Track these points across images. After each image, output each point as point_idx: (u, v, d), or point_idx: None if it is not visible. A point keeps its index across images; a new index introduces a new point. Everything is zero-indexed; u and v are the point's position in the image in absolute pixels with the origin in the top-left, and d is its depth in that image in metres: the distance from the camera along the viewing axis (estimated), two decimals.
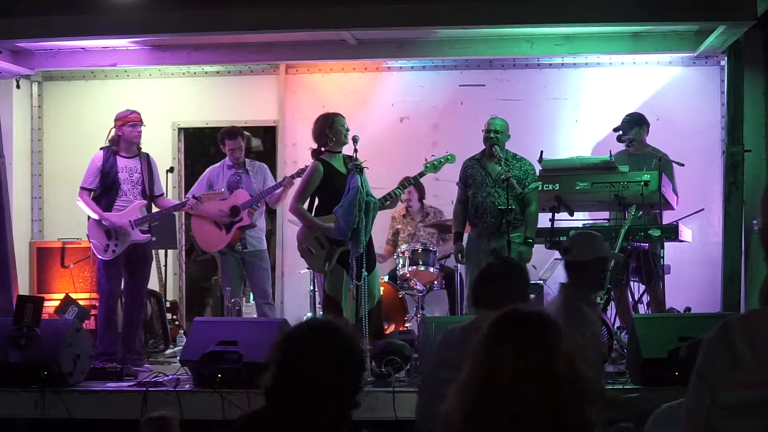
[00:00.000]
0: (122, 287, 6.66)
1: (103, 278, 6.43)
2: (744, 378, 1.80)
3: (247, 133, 7.71)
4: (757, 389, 1.79)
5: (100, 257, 6.41)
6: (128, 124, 6.45)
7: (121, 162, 6.47)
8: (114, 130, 6.50)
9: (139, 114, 6.54)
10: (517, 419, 1.85)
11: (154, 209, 6.68)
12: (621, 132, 7.04)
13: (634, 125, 7.09)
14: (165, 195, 6.89)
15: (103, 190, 6.43)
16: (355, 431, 2.44)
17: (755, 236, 7.24)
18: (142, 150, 6.61)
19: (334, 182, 5.96)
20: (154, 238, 6.86)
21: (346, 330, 2.44)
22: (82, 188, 6.47)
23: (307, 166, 6.32)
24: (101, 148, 6.56)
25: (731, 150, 7.17)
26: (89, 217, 6.45)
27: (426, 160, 6.31)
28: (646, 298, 6.84)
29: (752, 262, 7.33)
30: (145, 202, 6.53)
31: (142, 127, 6.54)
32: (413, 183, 6.58)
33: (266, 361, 2.41)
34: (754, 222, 6.99)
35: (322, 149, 6.11)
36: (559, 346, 1.91)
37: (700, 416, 1.85)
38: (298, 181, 6.54)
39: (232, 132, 7.14)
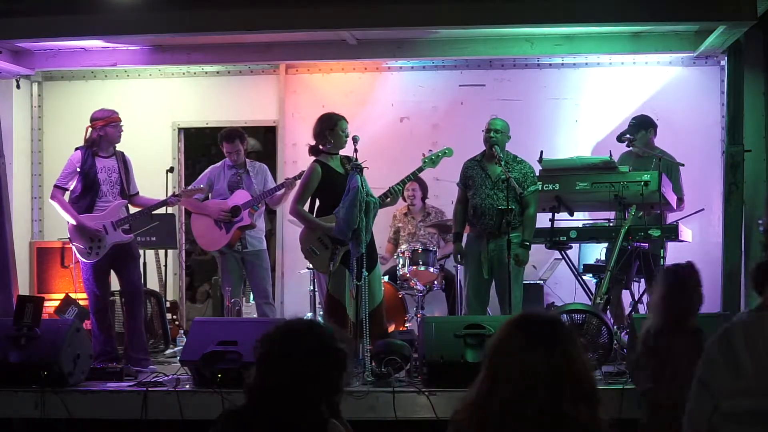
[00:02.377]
0: (119, 288, 6.65)
1: (90, 280, 6.36)
2: (745, 385, 1.79)
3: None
4: (758, 397, 1.78)
5: (84, 260, 6.36)
6: (111, 124, 6.36)
7: (100, 162, 6.38)
8: (92, 130, 6.38)
9: (118, 113, 6.44)
10: (543, 420, 1.89)
11: (132, 208, 6.59)
12: (628, 135, 7.02)
13: (640, 128, 7.09)
14: (139, 194, 6.70)
15: (84, 191, 6.33)
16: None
17: (756, 236, 7.25)
18: (117, 149, 6.51)
19: (333, 183, 5.95)
20: (151, 237, 6.83)
21: (326, 331, 2.49)
22: (56, 186, 6.35)
23: None
24: (78, 148, 6.43)
25: (731, 150, 7.17)
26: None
27: (424, 155, 6.29)
28: (646, 298, 6.84)
29: (752, 262, 7.31)
30: (125, 201, 6.45)
31: (123, 126, 6.45)
32: (413, 178, 6.57)
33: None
34: (759, 222, 6.98)
35: (320, 148, 6.10)
36: (578, 348, 1.99)
37: (703, 421, 1.84)
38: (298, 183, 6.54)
39: (230, 135, 7.12)
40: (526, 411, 1.89)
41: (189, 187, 6.91)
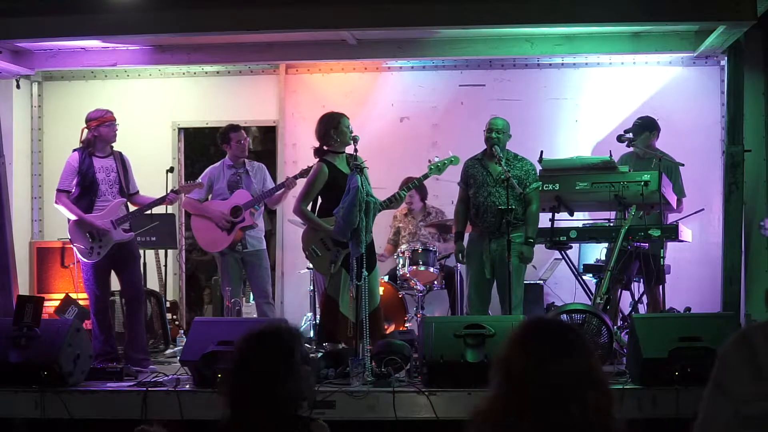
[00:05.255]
0: (119, 288, 6.65)
1: (90, 281, 6.36)
2: (766, 388, 1.77)
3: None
4: None
5: (85, 260, 6.36)
6: (105, 124, 6.36)
7: (98, 162, 6.38)
8: (87, 131, 6.39)
9: (112, 113, 6.45)
10: (566, 420, 1.93)
11: (132, 208, 6.58)
12: (631, 135, 7.02)
13: (644, 130, 7.09)
14: (139, 193, 6.70)
15: (83, 191, 6.33)
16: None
17: (756, 236, 7.25)
18: (115, 149, 6.51)
19: (337, 183, 5.94)
20: (151, 237, 6.79)
21: (286, 331, 2.60)
22: (59, 191, 6.37)
23: (309, 167, 6.30)
24: (75, 150, 6.44)
25: (731, 150, 7.17)
26: (69, 221, 6.37)
27: (430, 161, 6.30)
28: (645, 299, 6.85)
29: (752, 262, 7.34)
30: (124, 200, 6.46)
31: (118, 125, 6.46)
32: (417, 185, 6.57)
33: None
34: (761, 224, 7.00)
35: (326, 148, 6.10)
36: (591, 350, 2.04)
37: (719, 427, 1.82)
38: (300, 182, 6.53)
39: (235, 126, 7.16)
40: (553, 416, 1.92)
41: (189, 183, 6.91)
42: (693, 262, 7.70)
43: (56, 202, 6.40)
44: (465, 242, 6.57)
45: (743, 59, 7.27)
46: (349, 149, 6.01)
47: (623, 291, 6.85)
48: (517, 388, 1.96)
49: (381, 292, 6.42)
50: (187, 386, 5.51)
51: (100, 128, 6.36)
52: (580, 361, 1.97)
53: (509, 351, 2.02)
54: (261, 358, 2.50)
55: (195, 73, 8.57)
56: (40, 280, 7.61)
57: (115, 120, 6.43)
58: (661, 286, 6.52)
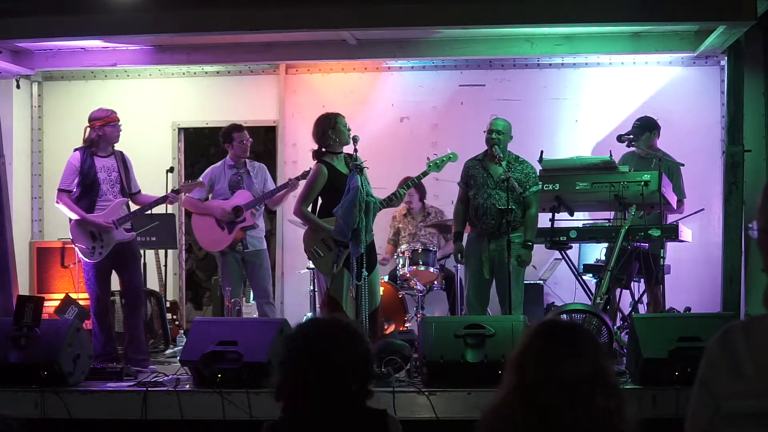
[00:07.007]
0: (119, 288, 6.65)
1: (92, 281, 6.36)
2: (745, 386, 1.78)
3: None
4: (759, 398, 1.77)
5: (87, 260, 6.36)
6: (109, 124, 6.36)
7: (99, 162, 6.38)
8: (91, 130, 6.38)
9: (116, 113, 6.44)
10: (575, 422, 1.96)
11: (133, 207, 6.58)
12: (630, 136, 7.01)
13: (645, 130, 7.09)
14: (141, 192, 6.69)
15: (84, 191, 6.33)
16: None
17: (754, 239, 7.24)
18: (116, 148, 6.51)
19: (337, 184, 5.94)
20: (151, 237, 6.79)
21: (346, 321, 2.51)
22: (60, 190, 6.37)
23: (311, 168, 6.30)
24: (76, 149, 6.43)
25: (731, 150, 7.17)
26: (71, 221, 6.37)
27: (428, 159, 6.30)
28: (646, 299, 6.85)
29: (752, 262, 7.33)
30: (126, 200, 6.46)
31: (121, 125, 6.45)
32: (416, 183, 6.57)
33: (272, 365, 2.50)
34: (750, 226, 6.98)
35: (324, 150, 6.09)
36: (603, 352, 2.07)
37: (703, 423, 1.84)
38: (301, 183, 6.53)
39: (238, 126, 7.15)
40: (563, 417, 1.96)
41: (188, 182, 6.91)
42: (693, 262, 7.70)
43: (57, 202, 6.40)
44: (464, 242, 6.57)
45: (743, 59, 7.27)
46: (349, 149, 6.01)
47: (623, 291, 6.86)
48: (528, 387, 1.99)
49: (381, 292, 6.42)
50: (187, 386, 5.50)
51: (105, 128, 6.37)
52: (591, 362, 2.00)
53: (521, 350, 2.05)
54: (330, 346, 2.39)
55: (195, 73, 8.57)
56: (40, 280, 7.61)
57: (119, 120, 6.44)
58: (661, 286, 6.52)
